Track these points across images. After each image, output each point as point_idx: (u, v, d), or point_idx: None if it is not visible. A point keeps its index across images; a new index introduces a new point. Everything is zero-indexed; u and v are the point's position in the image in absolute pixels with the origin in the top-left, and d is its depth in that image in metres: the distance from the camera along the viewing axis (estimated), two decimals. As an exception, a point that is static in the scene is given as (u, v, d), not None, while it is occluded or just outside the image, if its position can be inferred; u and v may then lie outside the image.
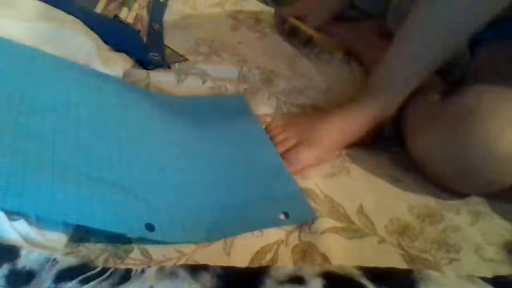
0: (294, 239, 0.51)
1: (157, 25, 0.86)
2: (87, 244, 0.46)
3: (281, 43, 0.92)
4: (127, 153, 0.55)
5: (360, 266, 0.45)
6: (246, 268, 0.46)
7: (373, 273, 0.44)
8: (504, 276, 0.49)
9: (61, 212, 0.44)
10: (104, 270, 0.42)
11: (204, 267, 0.43)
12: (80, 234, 0.47)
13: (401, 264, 0.50)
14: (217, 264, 0.44)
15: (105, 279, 0.41)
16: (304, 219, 0.53)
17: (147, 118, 0.63)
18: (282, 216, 0.53)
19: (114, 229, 0.46)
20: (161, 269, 0.42)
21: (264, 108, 0.71)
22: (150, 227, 0.48)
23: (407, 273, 0.45)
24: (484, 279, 0.46)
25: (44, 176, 0.46)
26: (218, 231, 0.50)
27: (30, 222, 0.45)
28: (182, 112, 0.67)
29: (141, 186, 0.52)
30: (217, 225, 0.51)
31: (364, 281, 0.43)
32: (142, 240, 0.47)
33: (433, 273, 0.45)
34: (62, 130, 0.53)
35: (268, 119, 0.70)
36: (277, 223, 0.52)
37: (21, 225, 0.44)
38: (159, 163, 0.56)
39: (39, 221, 0.45)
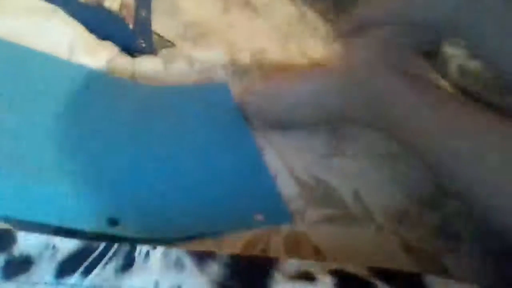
0: (285, 228, 0.50)
1: (145, 11, 0.84)
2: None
3: (273, 23, 0.89)
4: (95, 148, 0.53)
5: (370, 267, 0.43)
6: (256, 257, 0.45)
7: (383, 274, 0.42)
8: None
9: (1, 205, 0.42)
10: (106, 249, 0.40)
11: (211, 255, 0.41)
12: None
13: (399, 253, 0.49)
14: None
15: (108, 262, 0.39)
16: (280, 222, 0.51)
17: (122, 110, 0.61)
18: (259, 217, 0.51)
19: (64, 224, 0.43)
20: (166, 254, 0.40)
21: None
22: (113, 222, 0.45)
23: (417, 275, 0.43)
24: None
25: None
26: (188, 230, 0.48)
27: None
28: (161, 103, 0.65)
29: (108, 180, 0.50)
30: (187, 223, 0.49)
31: (376, 281, 0.41)
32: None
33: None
34: (33, 120, 0.52)
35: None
36: (251, 224, 0.50)
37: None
38: (129, 155, 0.54)
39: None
